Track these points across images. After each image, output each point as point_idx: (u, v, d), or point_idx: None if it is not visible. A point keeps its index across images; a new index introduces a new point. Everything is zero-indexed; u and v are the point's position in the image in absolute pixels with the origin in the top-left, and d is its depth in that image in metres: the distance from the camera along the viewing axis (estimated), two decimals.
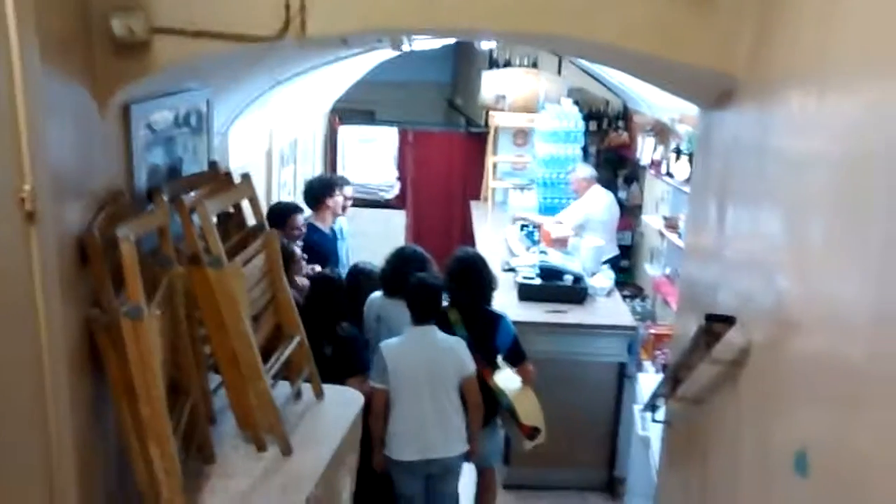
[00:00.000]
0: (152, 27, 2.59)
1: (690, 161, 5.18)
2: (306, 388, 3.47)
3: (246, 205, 3.39)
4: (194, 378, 2.90)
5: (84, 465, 2.44)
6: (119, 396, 2.54)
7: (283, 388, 3.33)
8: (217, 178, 3.34)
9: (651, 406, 3.57)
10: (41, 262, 2.08)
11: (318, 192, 5.71)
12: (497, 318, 4.36)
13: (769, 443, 2.10)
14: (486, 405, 4.16)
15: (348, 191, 6.04)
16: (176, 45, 2.63)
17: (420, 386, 3.95)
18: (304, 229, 5.23)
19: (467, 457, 4.17)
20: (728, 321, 2.38)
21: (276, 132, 5.57)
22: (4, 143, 1.95)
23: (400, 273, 4.37)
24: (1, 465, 2.00)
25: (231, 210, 3.34)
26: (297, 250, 4.71)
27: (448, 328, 4.20)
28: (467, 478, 4.57)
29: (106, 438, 2.69)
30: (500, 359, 4.45)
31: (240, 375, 2.97)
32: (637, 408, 4.56)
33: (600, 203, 6.59)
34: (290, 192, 6.26)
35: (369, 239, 7.31)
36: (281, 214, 5.13)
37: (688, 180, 5.16)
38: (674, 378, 3.04)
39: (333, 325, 4.13)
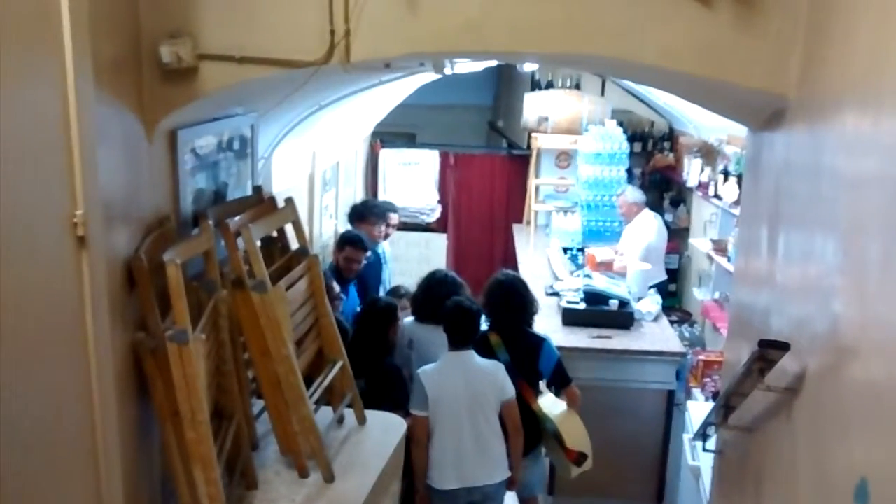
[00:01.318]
0: (199, 54, 2.63)
1: (739, 183, 5.10)
2: (348, 414, 3.45)
3: (289, 229, 3.41)
4: (238, 403, 2.91)
5: (131, 489, 2.44)
6: (164, 420, 2.56)
7: (326, 413, 3.32)
8: (261, 203, 3.37)
9: (702, 435, 3.48)
10: (91, 286, 2.10)
11: (365, 213, 5.78)
12: (540, 342, 4.30)
13: (827, 473, 2.02)
14: (529, 431, 4.10)
15: (393, 218, 6.12)
16: (222, 70, 2.67)
17: (459, 412, 3.89)
18: (357, 266, 5.24)
19: (508, 485, 4.10)
20: (782, 347, 2.30)
21: (318, 156, 5.62)
22: (58, 169, 1.98)
23: (431, 298, 4.35)
24: (51, 487, 2.00)
25: (275, 234, 3.36)
26: (336, 286, 4.71)
27: (489, 352, 4.16)
28: None
29: (151, 462, 2.71)
30: (542, 384, 4.39)
31: (283, 400, 2.97)
32: (687, 437, 4.45)
33: (654, 228, 6.50)
34: (333, 215, 6.31)
35: (410, 263, 7.34)
36: (341, 239, 5.27)
37: (736, 202, 5.07)
38: (725, 406, 2.95)
39: (375, 358, 4.11)
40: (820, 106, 2.36)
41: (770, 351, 2.33)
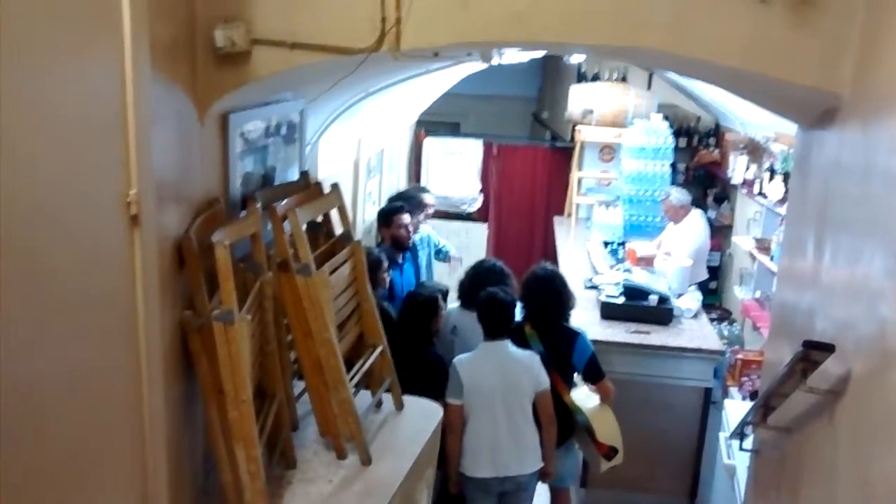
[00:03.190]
0: (253, 38, 2.67)
1: (785, 181, 5.02)
2: (386, 399, 3.49)
3: (334, 214, 3.45)
4: (280, 383, 2.96)
5: (174, 463, 2.50)
6: (208, 398, 2.61)
7: (365, 397, 3.36)
8: (308, 188, 3.41)
9: (739, 433, 3.45)
10: (142, 264, 2.14)
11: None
12: (574, 335, 4.29)
13: (870, 478, 1.99)
14: (561, 423, 4.11)
15: (428, 198, 6.14)
16: (274, 56, 2.70)
17: (493, 401, 3.91)
18: (410, 229, 5.38)
19: (542, 476, 4.11)
20: (827, 349, 2.28)
21: (364, 143, 5.66)
22: (114, 149, 2.02)
23: (478, 286, 4.36)
24: (99, 458, 2.06)
25: (320, 219, 3.40)
26: (385, 261, 4.77)
27: (524, 342, 4.16)
28: (542, 498, 4.51)
29: (194, 437, 2.77)
30: (577, 377, 4.38)
31: (323, 383, 3.01)
32: (723, 435, 4.41)
33: (703, 229, 6.42)
34: (376, 202, 6.35)
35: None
36: (384, 215, 5.42)
37: (781, 201, 5.00)
38: (765, 405, 2.93)
39: (417, 349, 4.14)
40: (875, 105, 2.32)
41: (814, 352, 2.31)
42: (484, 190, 8.35)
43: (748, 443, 3.47)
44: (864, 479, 2.03)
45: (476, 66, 5.90)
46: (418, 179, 8.19)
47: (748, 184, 5.99)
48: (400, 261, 5.38)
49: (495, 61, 4.87)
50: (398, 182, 7.47)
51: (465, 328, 4.46)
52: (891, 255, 2.04)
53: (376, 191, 6.39)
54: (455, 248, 6.42)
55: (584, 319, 5.12)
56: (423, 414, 3.52)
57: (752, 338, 5.80)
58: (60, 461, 1.87)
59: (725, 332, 5.93)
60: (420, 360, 4.08)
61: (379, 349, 3.38)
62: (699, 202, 7.12)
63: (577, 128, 7.75)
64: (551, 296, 4.35)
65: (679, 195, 6.51)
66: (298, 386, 3.29)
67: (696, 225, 6.40)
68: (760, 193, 5.56)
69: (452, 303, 4.80)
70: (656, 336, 5.17)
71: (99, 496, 2.07)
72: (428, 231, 6.18)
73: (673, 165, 7.19)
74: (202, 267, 2.55)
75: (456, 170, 8.22)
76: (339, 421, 3.04)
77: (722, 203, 7.24)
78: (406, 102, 6.58)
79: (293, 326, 3.03)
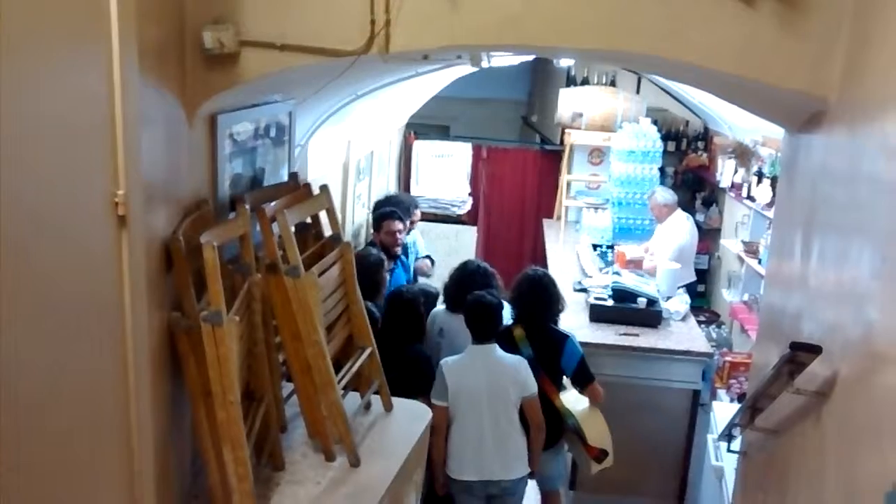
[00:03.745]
0: (241, 40, 2.66)
1: (773, 185, 5.05)
2: (375, 400, 3.49)
3: (323, 216, 3.45)
4: (268, 385, 2.95)
5: (162, 464, 2.49)
6: (196, 400, 2.60)
7: (353, 398, 3.35)
8: (297, 189, 3.40)
9: (727, 435, 3.47)
10: (130, 265, 2.14)
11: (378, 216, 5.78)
12: (563, 339, 4.30)
13: (856, 479, 2.01)
14: (550, 426, 4.11)
15: (416, 214, 6.15)
16: (263, 57, 2.70)
17: (480, 405, 3.90)
18: (399, 237, 5.40)
19: (530, 475, 4.11)
20: (814, 350, 2.29)
21: (353, 145, 5.66)
22: (102, 150, 2.02)
23: (463, 288, 4.37)
24: (86, 459, 2.05)
25: (309, 220, 3.40)
26: (386, 275, 4.80)
27: (513, 345, 4.16)
28: (532, 501, 4.51)
29: (182, 439, 2.76)
30: (566, 380, 4.39)
31: (312, 384, 3.00)
32: (711, 437, 4.43)
33: (687, 230, 6.44)
34: (365, 204, 6.35)
35: (439, 254, 7.36)
36: (375, 219, 5.46)
37: (770, 204, 5.03)
38: (752, 407, 2.94)
39: (400, 346, 4.14)
40: (862, 110, 2.34)
41: (801, 353, 2.32)
42: (473, 193, 8.36)
43: (736, 444, 3.49)
44: (851, 480, 2.05)
45: (466, 69, 5.91)
46: (408, 182, 8.19)
47: (736, 187, 6.02)
48: (392, 265, 5.37)
49: (484, 64, 4.89)
50: (387, 185, 7.47)
51: (452, 330, 4.47)
52: (877, 257, 2.05)
53: (366, 193, 6.39)
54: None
55: (573, 322, 5.13)
56: (411, 416, 3.51)
57: (741, 340, 5.82)
58: (46, 462, 1.86)
59: (714, 335, 5.95)
60: (405, 358, 4.08)
61: (368, 351, 3.38)
62: (688, 205, 7.16)
63: (567, 131, 7.77)
64: (542, 298, 4.35)
65: (664, 194, 6.56)
66: (287, 388, 3.28)
67: (680, 225, 6.43)
68: (748, 197, 5.59)
69: (439, 305, 4.80)
70: (645, 338, 5.18)
71: (86, 498, 2.07)
72: (415, 236, 6.18)
73: (662, 169, 7.23)
74: (190, 268, 2.55)
75: (445, 172, 8.23)
76: (328, 423, 3.03)
77: (710, 206, 7.27)
78: (396, 105, 6.59)
79: (282, 328, 3.02)
